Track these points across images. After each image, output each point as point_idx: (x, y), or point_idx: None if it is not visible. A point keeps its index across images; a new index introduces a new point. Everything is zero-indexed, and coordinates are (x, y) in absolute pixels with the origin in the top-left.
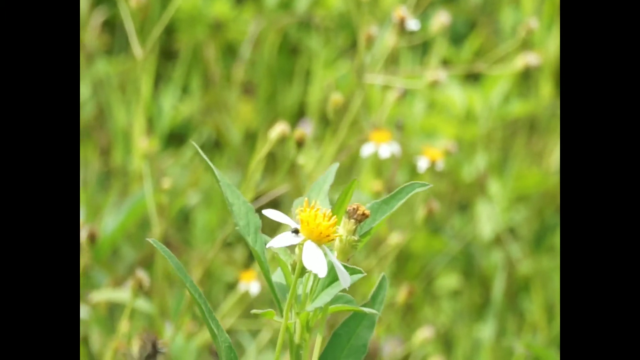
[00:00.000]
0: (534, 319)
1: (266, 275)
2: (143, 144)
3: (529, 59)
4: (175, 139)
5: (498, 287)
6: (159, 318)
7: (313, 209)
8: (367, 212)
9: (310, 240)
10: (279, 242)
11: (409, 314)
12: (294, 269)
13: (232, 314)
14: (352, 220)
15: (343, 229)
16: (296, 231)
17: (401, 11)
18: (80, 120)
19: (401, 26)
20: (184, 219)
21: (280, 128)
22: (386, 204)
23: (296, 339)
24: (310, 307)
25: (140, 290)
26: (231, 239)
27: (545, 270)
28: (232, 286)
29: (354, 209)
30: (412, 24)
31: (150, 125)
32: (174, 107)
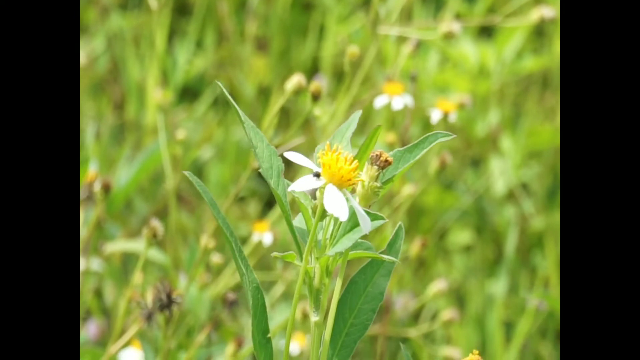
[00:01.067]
0: (546, 274)
1: (287, 219)
2: (157, 95)
3: (544, 11)
4: (189, 93)
5: (510, 243)
6: (172, 270)
7: (335, 152)
8: (390, 159)
9: (331, 184)
10: (300, 185)
11: (422, 269)
12: (314, 213)
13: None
14: (375, 167)
15: (366, 175)
16: (317, 175)
17: None
18: (81, 70)
19: None
20: (197, 174)
21: (296, 79)
22: (409, 152)
23: (315, 283)
24: (330, 251)
25: (154, 239)
26: (244, 193)
27: (558, 225)
28: (245, 240)
29: (377, 155)
30: None
31: (164, 79)
32: (187, 61)
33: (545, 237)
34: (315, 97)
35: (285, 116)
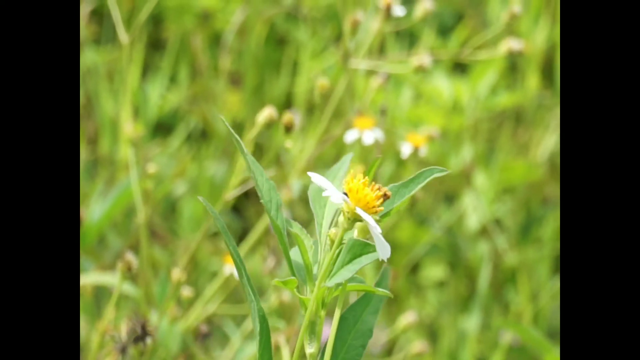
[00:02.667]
0: (519, 310)
1: (285, 252)
2: (129, 129)
3: (512, 44)
4: (162, 128)
5: (484, 278)
6: (144, 303)
7: (360, 180)
8: (388, 193)
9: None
10: (332, 195)
11: (395, 305)
12: (332, 242)
13: (216, 299)
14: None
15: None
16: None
17: None
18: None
19: (387, 12)
20: (170, 209)
21: (267, 112)
22: (405, 187)
23: (311, 314)
24: (330, 282)
25: (128, 272)
26: (217, 228)
27: (531, 261)
28: (217, 275)
29: (377, 189)
30: (398, 10)
31: (138, 114)
32: (161, 96)
33: (518, 272)
34: (288, 129)
35: (259, 150)
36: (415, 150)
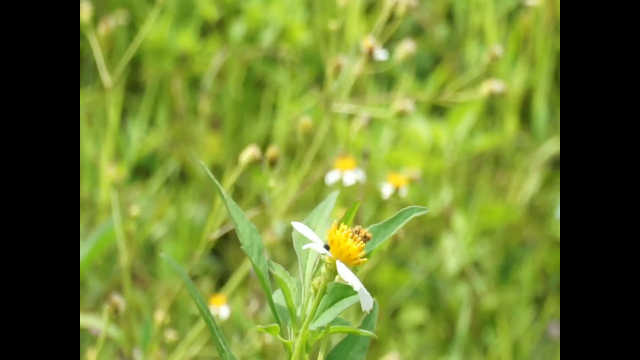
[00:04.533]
0: (498, 352)
1: (268, 295)
2: (110, 172)
3: (494, 85)
4: (142, 171)
5: (463, 321)
6: (126, 346)
7: (343, 231)
8: (369, 234)
9: (339, 260)
10: (316, 247)
11: (374, 348)
12: (316, 290)
13: (198, 341)
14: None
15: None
16: (326, 247)
17: (369, 40)
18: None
19: (369, 55)
20: (149, 252)
21: (250, 151)
22: (385, 227)
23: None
24: (312, 326)
25: (115, 315)
26: (198, 271)
27: (510, 304)
28: (198, 319)
29: (356, 231)
30: (380, 54)
31: (117, 157)
32: (140, 139)
33: (498, 315)
34: (273, 164)
35: (239, 192)
36: (396, 191)
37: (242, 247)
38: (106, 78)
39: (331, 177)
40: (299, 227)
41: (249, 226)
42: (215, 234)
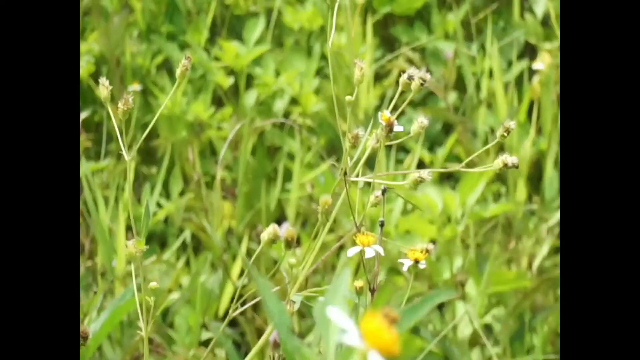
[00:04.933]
0: None
1: None
2: (130, 245)
3: (508, 159)
4: (155, 238)
5: None
6: None
7: (379, 320)
8: (398, 317)
9: (373, 350)
10: (347, 339)
11: None
12: None
13: None
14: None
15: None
16: (359, 336)
17: (387, 114)
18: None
19: (388, 129)
20: (164, 317)
21: (271, 229)
22: (413, 311)
23: None
24: None
25: None
26: (213, 337)
27: None
28: None
29: (386, 314)
30: (398, 127)
31: (134, 226)
32: (154, 206)
33: None
34: (289, 244)
35: (251, 258)
36: (414, 264)
37: (269, 324)
38: (125, 152)
39: (351, 252)
40: (334, 314)
41: (278, 305)
42: (238, 310)
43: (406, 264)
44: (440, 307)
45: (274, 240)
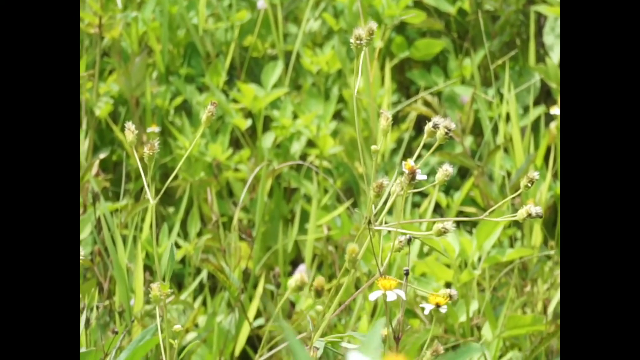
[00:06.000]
0: None
1: None
2: (154, 289)
3: (532, 209)
4: (174, 277)
5: None
6: None
7: None
8: None
9: None
10: None
11: None
12: None
13: None
14: None
15: None
16: None
17: (411, 162)
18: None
19: (411, 178)
20: (180, 359)
21: (298, 275)
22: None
23: None
24: None
25: None
26: None
27: None
28: None
29: None
30: (420, 175)
31: (157, 266)
32: (174, 248)
33: None
34: (319, 293)
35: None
36: (436, 309)
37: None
38: (150, 195)
39: (373, 296)
40: (354, 357)
41: (303, 352)
42: (265, 355)
43: (427, 308)
44: (456, 349)
45: (301, 287)
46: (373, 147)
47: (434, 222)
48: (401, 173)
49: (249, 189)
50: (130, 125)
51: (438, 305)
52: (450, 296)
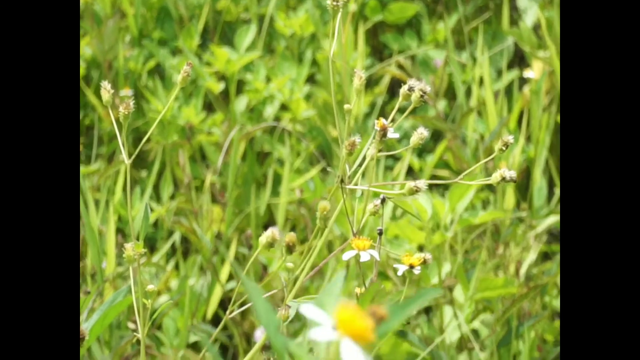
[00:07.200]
0: None
1: None
2: (128, 249)
3: (506, 173)
4: (146, 241)
5: None
6: None
7: (352, 309)
8: (385, 315)
9: (347, 339)
10: (320, 335)
11: None
12: None
13: None
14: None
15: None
16: (334, 328)
17: (383, 120)
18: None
19: (382, 135)
20: (152, 322)
21: (270, 232)
22: (402, 308)
23: None
24: None
25: None
26: (200, 338)
27: None
28: None
29: (373, 312)
30: (392, 134)
31: (131, 227)
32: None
33: None
34: (291, 249)
35: (239, 261)
36: (409, 270)
37: (258, 325)
38: (125, 156)
39: (347, 256)
40: (307, 311)
41: (265, 305)
42: (233, 313)
43: (401, 269)
44: (428, 312)
45: (271, 244)
46: (346, 106)
47: (408, 184)
48: (374, 135)
49: (221, 152)
50: (106, 85)
51: (412, 267)
52: (425, 260)
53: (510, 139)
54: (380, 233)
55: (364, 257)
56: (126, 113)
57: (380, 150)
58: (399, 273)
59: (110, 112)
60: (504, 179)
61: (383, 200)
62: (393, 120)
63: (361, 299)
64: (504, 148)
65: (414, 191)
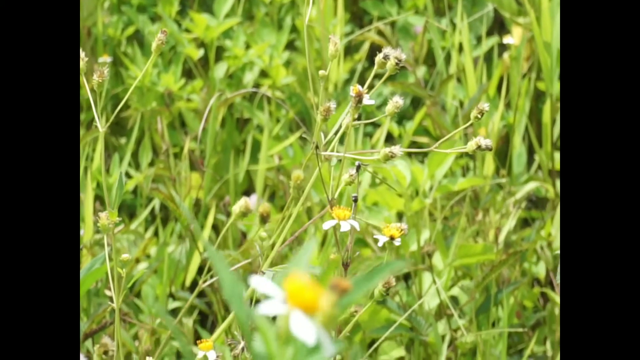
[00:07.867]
0: None
1: (249, 343)
2: (102, 217)
3: (481, 141)
4: (124, 207)
5: (442, 358)
6: None
7: (299, 281)
8: (348, 287)
9: (297, 310)
10: (268, 309)
11: None
12: (279, 337)
13: None
14: (334, 295)
15: (325, 302)
16: (285, 300)
17: (358, 87)
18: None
19: (357, 101)
20: (130, 288)
21: (243, 202)
22: (367, 279)
23: None
24: None
25: (105, 356)
26: (180, 305)
27: (488, 341)
28: (181, 355)
29: (336, 285)
30: (368, 100)
31: (106, 195)
32: (124, 176)
33: (476, 352)
34: (264, 219)
35: (215, 231)
36: (390, 241)
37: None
38: (99, 123)
39: (327, 225)
40: (257, 283)
41: (230, 275)
42: (208, 282)
43: (381, 240)
44: (407, 278)
45: (245, 213)
46: (321, 72)
47: (383, 150)
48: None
49: (200, 119)
50: (81, 53)
51: (392, 238)
52: (403, 230)
53: (485, 106)
54: (355, 200)
55: (344, 226)
56: (100, 81)
57: (357, 117)
58: (379, 244)
59: (85, 80)
60: (479, 147)
61: (358, 168)
62: (371, 87)
63: (323, 272)
64: (479, 116)
65: (389, 157)
